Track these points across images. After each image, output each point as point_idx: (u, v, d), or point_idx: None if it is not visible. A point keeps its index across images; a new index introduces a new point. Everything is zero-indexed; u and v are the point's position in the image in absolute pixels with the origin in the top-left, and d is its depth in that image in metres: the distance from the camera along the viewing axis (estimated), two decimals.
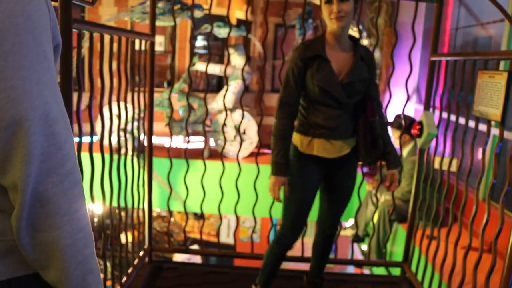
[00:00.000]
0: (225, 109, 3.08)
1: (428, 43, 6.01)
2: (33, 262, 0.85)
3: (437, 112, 2.84)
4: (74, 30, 1.77)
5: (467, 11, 5.22)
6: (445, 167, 2.59)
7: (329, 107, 2.21)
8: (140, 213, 2.91)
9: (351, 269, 6.83)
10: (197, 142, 7.21)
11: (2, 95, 0.74)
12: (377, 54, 6.02)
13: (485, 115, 2.10)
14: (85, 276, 0.88)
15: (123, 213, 2.55)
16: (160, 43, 8.92)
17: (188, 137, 3.20)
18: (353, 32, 5.08)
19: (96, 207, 2.25)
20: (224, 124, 3.12)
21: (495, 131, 3.67)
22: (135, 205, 2.77)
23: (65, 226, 0.83)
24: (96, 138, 5.11)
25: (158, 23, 4.18)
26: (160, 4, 4.71)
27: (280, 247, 2.44)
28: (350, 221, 5.51)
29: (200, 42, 9.06)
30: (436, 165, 3.14)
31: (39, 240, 0.82)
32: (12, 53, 0.75)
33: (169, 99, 3.09)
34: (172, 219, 9.13)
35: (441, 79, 4.21)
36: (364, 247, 5.23)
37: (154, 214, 7.02)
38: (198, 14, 5.40)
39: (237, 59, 6.75)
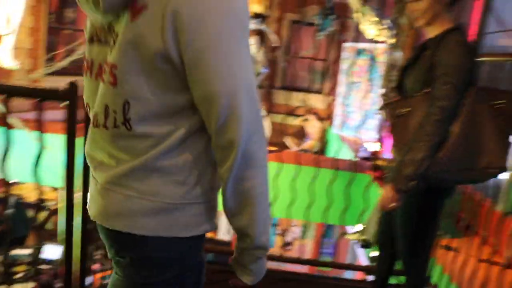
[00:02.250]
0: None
1: None
2: (228, 209, 1.10)
3: None
4: None
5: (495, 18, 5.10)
6: None
7: None
8: None
9: (348, 275, 6.71)
10: None
11: (223, 69, 0.98)
12: (398, 55, 5.93)
13: None
14: (266, 222, 1.11)
15: None
16: None
17: None
18: (382, 30, 4.96)
19: None
20: None
21: None
22: None
23: (259, 177, 1.07)
24: None
25: None
26: None
27: None
28: (359, 226, 5.39)
29: None
30: None
31: (239, 189, 1.06)
32: (232, 40, 0.99)
33: None
34: None
35: None
36: (374, 253, 5.11)
37: None
38: None
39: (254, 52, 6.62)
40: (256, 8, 8.69)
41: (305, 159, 3.01)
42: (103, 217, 1.14)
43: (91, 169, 1.20)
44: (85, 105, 1.19)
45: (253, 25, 6.25)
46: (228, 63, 0.98)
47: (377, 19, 4.61)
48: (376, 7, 5.23)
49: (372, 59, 6.75)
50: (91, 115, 1.14)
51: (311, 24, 7.47)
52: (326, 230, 8.13)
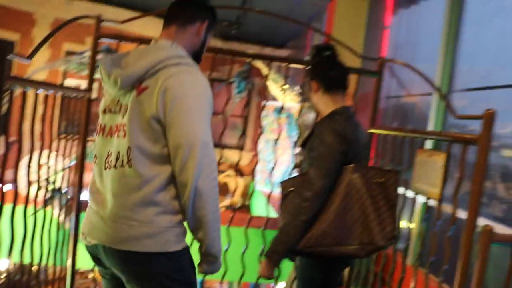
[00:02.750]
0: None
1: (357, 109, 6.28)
2: (190, 227, 1.61)
3: None
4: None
5: (397, 82, 5.50)
6: None
7: None
8: (60, 269, 2.69)
9: None
10: None
11: (187, 129, 1.51)
12: (312, 116, 6.17)
13: (424, 193, 2.15)
14: (215, 239, 1.62)
15: (35, 269, 2.35)
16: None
17: None
18: (292, 96, 5.19)
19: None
20: None
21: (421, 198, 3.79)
22: (55, 262, 2.57)
23: (208, 208, 1.55)
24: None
25: (96, 75, 4.04)
26: (99, 56, 4.56)
27: None
28: (281, 284, 5.40)
29: None
30: None
31: (195, 215, 1.55)
32: (197, 112, 1.54)
33: None
34: (91, 275, 8.65)
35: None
36: None
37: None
38: None
39: None
40: None
41: (222, 218, 3.01)
42: (113, 241, 1.58)
43: (93, 204, 1.67)
44: (94, 156, 1.70)
45: None
46: (190, 125, 1.51)
47: (287, 86, 4.81)
48: (286, 74, 5.46)
49: (290, 117, 6.99)
50: (98, 163, 1.67)
51: (232, 82, 7.65)
52: (252, 286, 8.05)
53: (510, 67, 3.63)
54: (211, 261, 1.67)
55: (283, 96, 5.47)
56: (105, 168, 1.63)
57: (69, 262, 2.73)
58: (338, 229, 1.99)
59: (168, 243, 1.59)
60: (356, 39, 6.38)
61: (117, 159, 1.58)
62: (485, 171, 1.81)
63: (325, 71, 2.19)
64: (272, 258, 2.06)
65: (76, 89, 2.57)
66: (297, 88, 5.27)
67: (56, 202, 2.56)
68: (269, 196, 3.36)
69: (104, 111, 1.69)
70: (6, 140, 1.88)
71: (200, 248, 1.66)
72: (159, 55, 1.57)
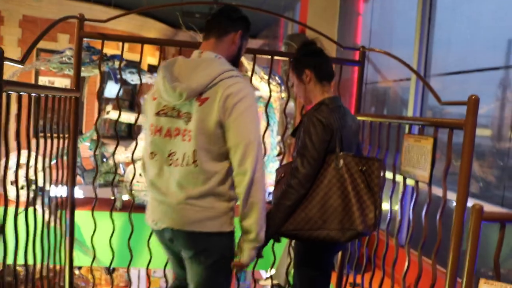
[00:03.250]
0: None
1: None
2: (242, 214, 1.87)
3: None
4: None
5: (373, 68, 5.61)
6: None
7: None
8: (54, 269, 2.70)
9: None
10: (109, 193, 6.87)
11: (244, 130, 1.81)
12: (291, 104, 6.24)
13: (413, 176, 2.24)
14: (263, 224, 1.89)
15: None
16: (66, 86, 8.56)
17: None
18: (272, 86, 5.24)
19: None
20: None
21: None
22: (42, 261, 2.59)
23: (260, 195, 1.83)
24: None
25: (84, 74, 4.00)
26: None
27: None
28: (271, 270, 5.48)
29: (110, 86, 8.81)
30: None
31: (248, 201, 1.83)
32: (251, 115, 1.83)
33: (99, 147, 2.94)
34: (77, 272, 8.60)
35: None
36: None
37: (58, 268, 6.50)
38: (117, 64, 5.27)
39: None
40: (151, 60, 8.75)
41: None
42: (181, 224, 1.90)
43: (157, 195, 1.95)
44: (151, 152, 1.96)
45: (149, 78, 6.28)
46: (246, 126, 1.82)
47: (266, 76, 4.86)
48: (265, 65, 5.49)
49: (269, 106, 7.01)
50: (158, 159, 1.94)
51: None
52: (240, 274, 8.11)
53: (483, 51, 3.76)
54: (255, 245, 1.89)
55: (263, 85, 5.51)
56: (169, 165, 1.91)
57: (67, 260, 2.76)
58: (320, 214, 2.11)
59: (225, 225, 1.91)
60: (331, 27, 6.47)
61: (183, 159, 1.86)
62: (472, 153, 1.91)
63: (320, 62, 2.25)
64: None
65: (66, 89, 2.57)
66: (277, 78, 5.32)
67: (40, 201, 2.55)
68: None
69: (158, 113, 1.93)
70: None
71: (247, 234, 1.89)
72: (215, 70, 1.84)
